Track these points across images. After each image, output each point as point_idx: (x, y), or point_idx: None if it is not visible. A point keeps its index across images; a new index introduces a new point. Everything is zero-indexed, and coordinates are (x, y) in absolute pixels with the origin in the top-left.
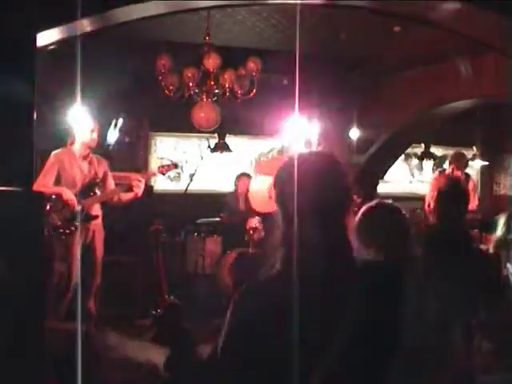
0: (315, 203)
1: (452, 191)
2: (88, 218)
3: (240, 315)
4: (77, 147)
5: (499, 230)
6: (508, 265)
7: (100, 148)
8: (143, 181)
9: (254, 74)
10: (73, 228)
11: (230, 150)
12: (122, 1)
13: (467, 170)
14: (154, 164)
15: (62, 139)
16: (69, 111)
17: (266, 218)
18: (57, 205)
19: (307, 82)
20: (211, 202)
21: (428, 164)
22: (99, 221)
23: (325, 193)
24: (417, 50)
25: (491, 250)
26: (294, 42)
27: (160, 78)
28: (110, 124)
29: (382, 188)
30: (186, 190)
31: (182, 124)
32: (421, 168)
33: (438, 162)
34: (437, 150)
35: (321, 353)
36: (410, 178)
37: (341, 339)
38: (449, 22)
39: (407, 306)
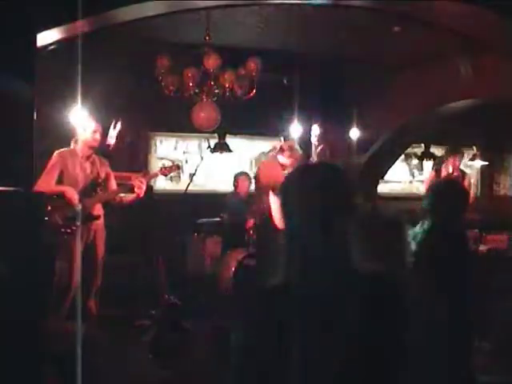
0: (318, 213)
1: (446, 191)
2: (90, 217)
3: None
4: (79, 147)
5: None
6: None
7: (100, 148)
8: (145, 181)
9: (254, 74)
10: (74, 227)
11: (230, 150)
12: (122, 1)
13: (467, 171)
14: (154, 164)
15: (64, 139)
16: (71, 112)
17: (261, 219)
18: (59, 204)
19: (307, 82)
20: (211, 202)
21: (428, 164)
22: (101, 221)
23: (327, 203)
24: (417, 49)
25: None
26: (293, 42)
27: (160, 78)
28: (110, 124)
29: (382, 188)
30: (186, 189)
31: (182, 124)
32: (421, 168)
33: (438, 161)
34: (437, 150)
35: (323, 363)
36: (409, 178)
37: (342, 351)
38: (449, 22)
39: (409, 315)
